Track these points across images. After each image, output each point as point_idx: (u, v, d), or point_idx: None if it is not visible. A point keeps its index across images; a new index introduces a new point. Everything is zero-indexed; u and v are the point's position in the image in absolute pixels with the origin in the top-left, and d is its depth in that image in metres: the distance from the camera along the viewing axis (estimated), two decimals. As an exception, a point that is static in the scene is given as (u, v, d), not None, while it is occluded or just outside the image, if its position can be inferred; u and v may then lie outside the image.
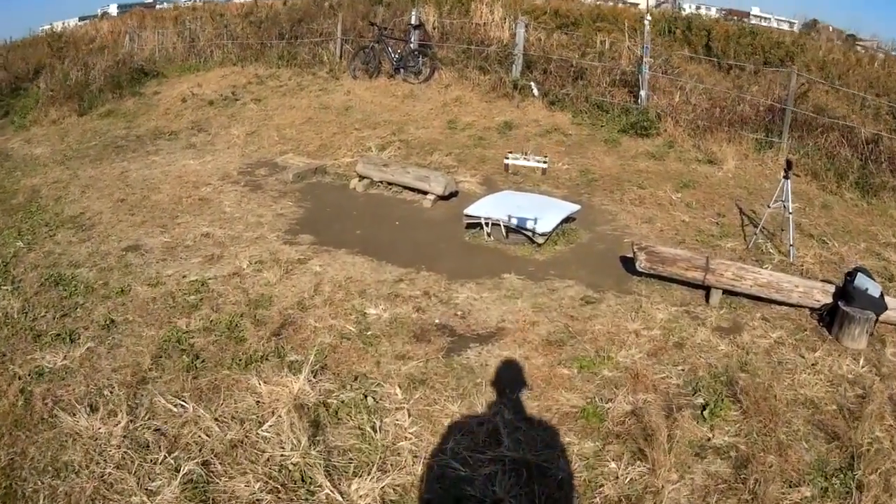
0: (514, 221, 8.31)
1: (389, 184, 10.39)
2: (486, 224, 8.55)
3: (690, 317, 6.89)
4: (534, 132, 12.68)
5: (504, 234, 8.50)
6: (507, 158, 8.92)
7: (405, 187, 10.26)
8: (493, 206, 8.75)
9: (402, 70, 15.11)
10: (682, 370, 5.91)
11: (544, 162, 9.33)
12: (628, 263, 7.84)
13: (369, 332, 6.35)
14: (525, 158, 8.94)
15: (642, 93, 12.71)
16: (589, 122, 12.96)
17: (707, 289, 7.24)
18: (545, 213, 8.57)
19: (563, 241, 8.60)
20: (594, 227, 9.21)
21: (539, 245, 8.36)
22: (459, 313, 6.79)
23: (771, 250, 8.47)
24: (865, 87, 13.78)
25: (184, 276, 7.34)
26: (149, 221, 9.16)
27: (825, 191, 10.59)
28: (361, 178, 10.52)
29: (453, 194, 10.07)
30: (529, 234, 8.34)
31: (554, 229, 8.46)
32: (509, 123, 12.97)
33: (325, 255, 8.08)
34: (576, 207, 9.04)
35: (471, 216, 8.70)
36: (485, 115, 13.42)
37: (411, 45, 15.42)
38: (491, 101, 14.02)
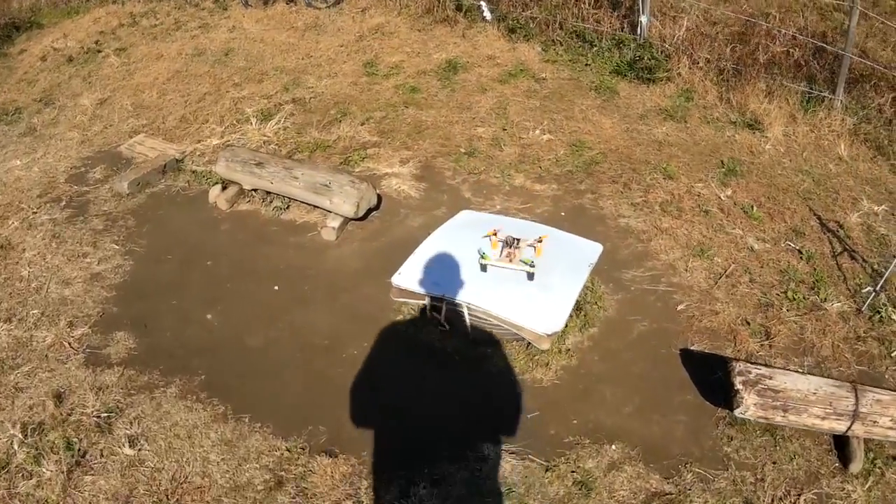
0: (491, 310, 4.81)
1: (269, 193, 6.53)
2: (436, 306, 5.08)
3: (831, 514, 3.75)
4: (491, 77, 8.88)
5: (468, 323, 5.00)
6: (482, 258, 5.18)
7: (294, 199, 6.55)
8: (445, 266, 5.13)
9: (305, -9, 10.84)
10: None
11: (532, 266, 5.06)
12: (695, 365, 4.82)
13: None
14: (509, 255, 5.21)
15: (642, 18, 8.89)
16: (567, 60, 9.16)
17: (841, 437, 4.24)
18: (546, 279, 5.00)
19: (576, 322, 5.06)
20: (619, 271, 5.78)
21: (541, 350, 4.73)
22: None
23: (893, 315, 5.23)
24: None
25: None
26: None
27: (897, 173, 7.24)
28: (225, 184, 6.57)
29: (373, 208, 6.39)
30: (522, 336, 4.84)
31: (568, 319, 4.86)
32: (454, 63, 9.10)
33: (144, 404, 4.66)
34: (596, 253, 5.39)
35: (406, 291, 5.07)
36: (418, 51, 9.46)
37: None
38: (426, 31, 9.97)
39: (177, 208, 6.80)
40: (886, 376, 4.82)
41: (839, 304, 5.34)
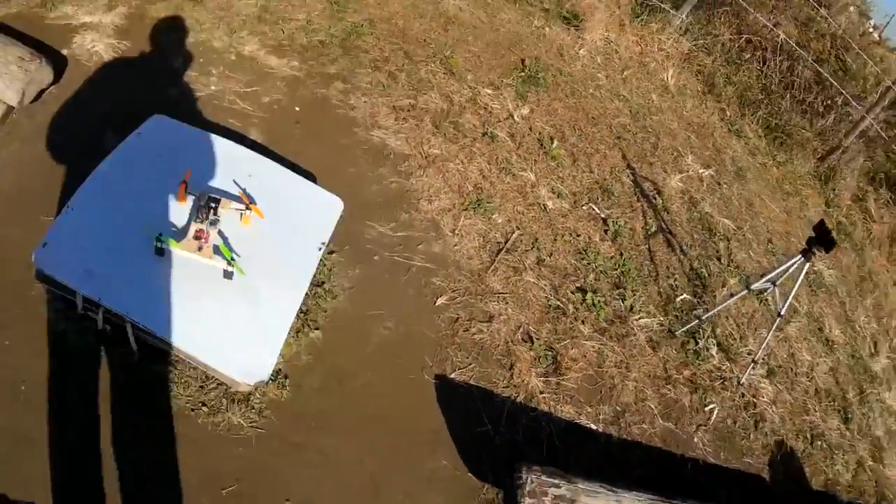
0: (165, 337, 2.78)
1: None
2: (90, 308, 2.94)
3: None
4: None
5: (132, 340, 2.97)
6: (158, 239, 2.89)
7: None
8: (109, 237, 2.96)
9: None
10: None
11: (231, 261, 2.98)
12: (455, 404, 3.34)
13: None
14: (199, 236, 3.00)
15: None
16: None
17: None
18: (252, 279, 2.98)
19: (300, 340, 3.14)
20: (361, 221, 3.92)
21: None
22: None
23: (712, 349, 4.00)
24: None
25: None
26: None
27: (727, 122, 6.11)
28: None
29: (46, 88, 4.05)
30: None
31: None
32: None
33: None
34: (332, 219, 3.34)
35: (49, 278, 2.87)
36: None
37: None
38: None
39: None
40: (695, 440, 3.42)
41: (649, 319, 3.85)
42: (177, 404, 2.96)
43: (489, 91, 4.80)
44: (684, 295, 4.02)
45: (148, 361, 3.02)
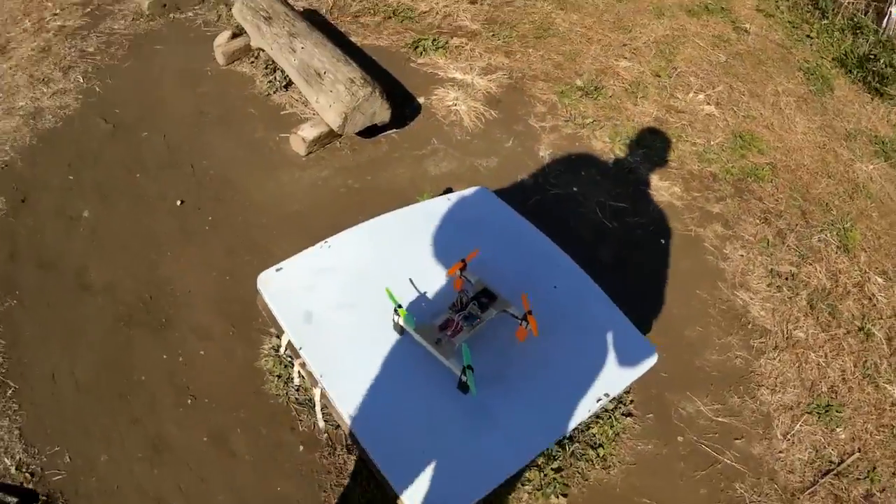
0: (349, 424, 2.46)
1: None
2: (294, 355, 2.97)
3: None
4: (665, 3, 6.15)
5: (318, 414, 3.12)
6: (398, 311, 2.60)
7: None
8: (356, 289, 2.80)
9: None
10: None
11: (466, 371, 2.44)
12: None
13: None
14: (449, 327, 2.52)
15: (894, 10, 6.11)
16: (787, 20, 6.45)
17: None
18: (494, 400, 2.54)
19: (535, 500, 3.11)
20: (681, 393, 3.66)
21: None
22: None
23: None
24: None
25: None
26: None
27: None
28: (239, 32, 4.95)
29: (382, 126, 4.40)
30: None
31: None
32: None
33: None
34: (633, 372, 2.76)
35: (269, 309, 2.74)
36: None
37: None
38: None
39: (178, 48, 5.11)
40: None
41: None
42: (335, 490, 2.91)
43: (880, 280, 4.32)
44: None
45: (332, 440, 3.03)
